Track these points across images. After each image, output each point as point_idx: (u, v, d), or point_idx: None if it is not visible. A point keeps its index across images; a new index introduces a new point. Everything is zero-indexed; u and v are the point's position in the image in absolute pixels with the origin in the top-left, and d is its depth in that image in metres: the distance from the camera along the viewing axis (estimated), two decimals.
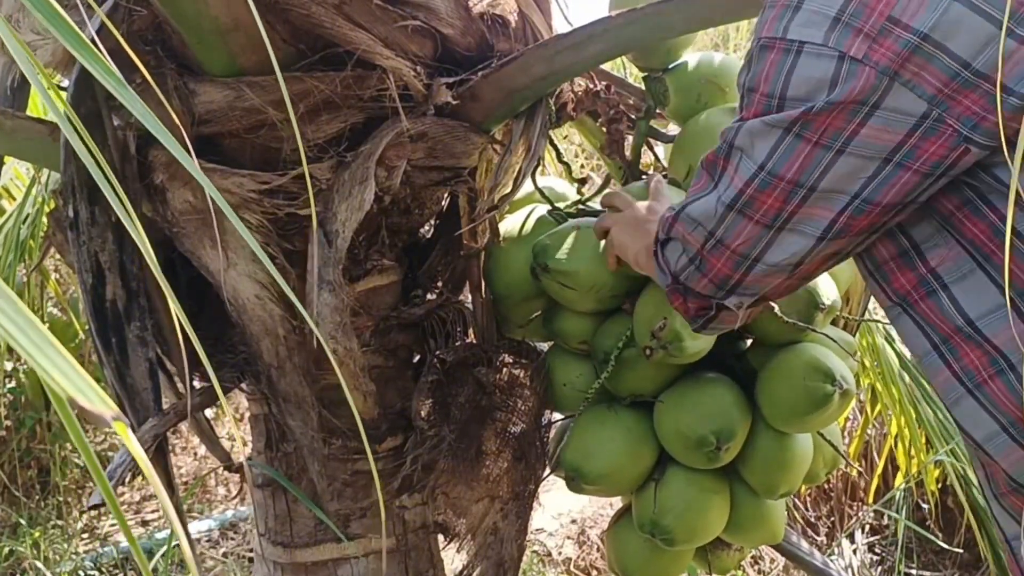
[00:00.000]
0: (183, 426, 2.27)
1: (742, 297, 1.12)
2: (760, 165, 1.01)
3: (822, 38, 0.96)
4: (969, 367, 1.00)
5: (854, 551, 3.38)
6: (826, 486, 3.60)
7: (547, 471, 1.71)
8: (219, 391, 0.77)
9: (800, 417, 1.54)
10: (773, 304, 1.54)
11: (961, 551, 3.20)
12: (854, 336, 1.77)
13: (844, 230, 1.02)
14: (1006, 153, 0.88)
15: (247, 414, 2.55)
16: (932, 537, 3.10)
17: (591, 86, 1.67)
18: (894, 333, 3.19)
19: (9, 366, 3.80)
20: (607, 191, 1.54)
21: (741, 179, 1.03)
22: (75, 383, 0.46)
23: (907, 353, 2.90)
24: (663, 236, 1.17)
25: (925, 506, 3.32)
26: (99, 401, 0.45)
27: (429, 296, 1.64)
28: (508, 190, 1.61)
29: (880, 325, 2.81)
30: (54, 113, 0.64)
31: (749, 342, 1.69)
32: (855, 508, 3.59)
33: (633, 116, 1.70)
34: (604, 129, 1.68)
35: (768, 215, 1.02)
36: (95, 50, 0.66)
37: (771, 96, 1.00)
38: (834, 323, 1.71)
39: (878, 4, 0.94)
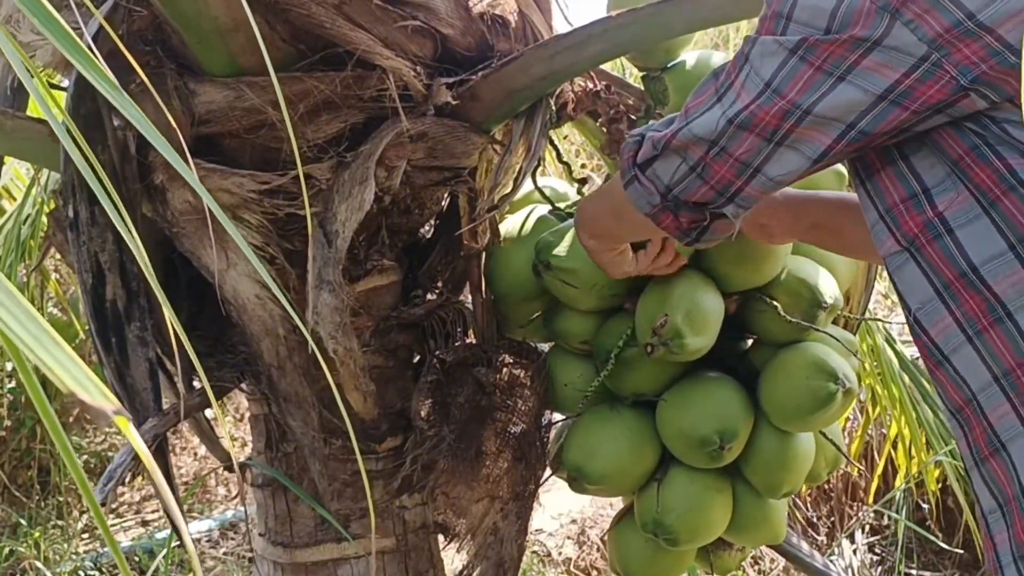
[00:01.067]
0: (183, 426, 2.28)
1: (740, 207, 1.13)
2: (766, 83, 1.03)
3: None
4: (969, 314, 1.00)
5: (854, 551, 3.39)
6: (826, 486, 3.60)
7: (547, 471, 1.71)
8: (211, 396, 0.77)
9: (803, 416, 1.54)
10: (776, 304, 1.55)
11: (961, 551, 3.20)
12: (854, 335, 1.77)
13: (839, 154, 1.05)
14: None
15: (247, 414, 2.55)
16: (932, 537, 3.11)
17: (591, 86, 1.67)
18: (894, 333, 3.19)
19: (9, 366, 3.80)
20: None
21: (748, 94, 1.05)
22: (76, 377, 0.46)
23: (907, 353, 2.90)
24: (651, 153, 1.16)
25: (925, 506, 3.33)
26: (100, 396, 0.45)
27: (429, 296, 1.64)
28: (508, 190, 1.61)
29: (880, 325, 2.81)
30: (51, 120, 0.64)
31: (751, 341, 1.69)
32: (855, 508, 3.59)
33: (633, 116, 1.70)
34: (604, 129, 1.68)
35: (767, 130, 1.04)
36: (90, 55, 0.66)
37: (779, 16, 1.03)
38: (834, 322, 1.71)
39: None
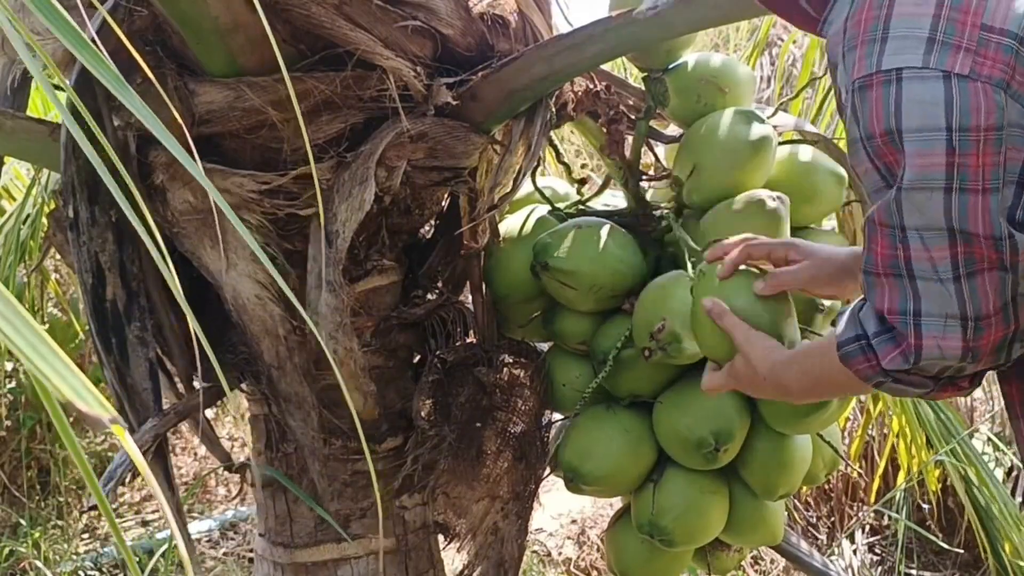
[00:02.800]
0: (183, 426, 2.28)
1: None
2: (948, 231, 0.94)
3: (920, 61, 0.91)
4: None
5: (854, 551, 3.38)
6: (826, 486, 3.60)
7: (547, 471, 1.70)
8: (224, 383, 0.77)
9: (798, 419, 1.54)
10: None
11: (961, 551, 3.20)
12: None
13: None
14: None
15: (247, 414, 2.55)
16: (932, 537, 3.10)
17: (591, 86, 1.67)
18: None
19: (9, 366, 3.80)
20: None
21: (917, 251, 0.95)
22: (72, 386, 0.46)
23: None
24: (903, 366, 1.01)
25: (926, 506, 3.32)
26: (96, 404, 0.45)
27: (429, 296, 1.64)
28: (508, 190, 1.61)
29: None
30: (58, 106, 0.64)
31: None
32: (855, 508, 3.59)
33: (633, 116, 1.70)
34: (604, 129, 1.68)
35: (993, 262, 0.94)
36: (96, 50, 0.66)
37: (889, 133, 0.93)
38: (834, 324, 1.71)
39: (967, 16, 0.90)
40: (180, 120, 0.95)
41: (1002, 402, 1.08)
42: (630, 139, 1.71)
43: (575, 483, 1.61)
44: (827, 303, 1.54)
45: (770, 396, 1.31)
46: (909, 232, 0.95)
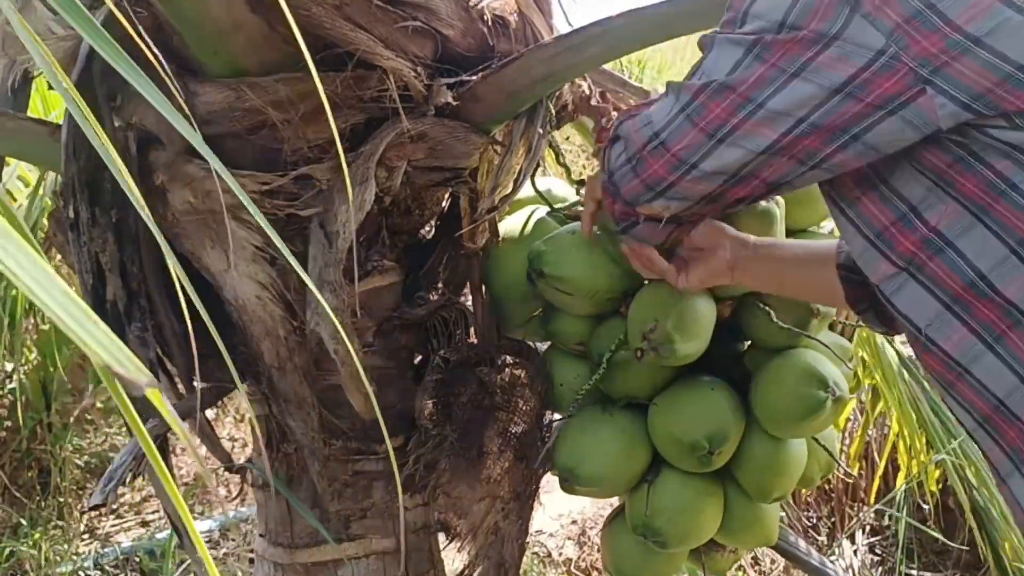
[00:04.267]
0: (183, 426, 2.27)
1: (670, 201, 1.13)
2: (714, 76, 1.04)
3: None
4: (985, 321, 0.99)
5: (855, 552, 3.39)
6: (827, 487, 3.60)
7: (546, 470, 1.71)
8: (236, 379, 0.77)
9: (793, 423, 1.53)
10: (769, 309, 1.54)
11: (965, 548, 3.20)
12: (851, 340, 1.77)
13: (785, 149, 1.03)
14: None
15: (247, 415, 2.55)
16: (936, 535, 3.11)
17: (586, 92, 1.67)
18: None
19: (10, 366, 3.80)
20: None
21: (700, 89, 1.05)
22: (110, 351, 0.47)
23: (907, 352, 2.90)
24: (612, 135, 1.18)
25: (926, 507, 3.33)
26: (134, 368, 0.46)
27: (431, 297, 1.64)
28: (508, 191, 1.61)
29: None
30: (66, 99, 0.64)
31: (746, 345, 1.69)
32: (856, 509, 3.59)
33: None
34: (594, 136, 1.68)
35: (712, 124, 1.04)
36: (111, 40, 0.67)
37: (737, 13, 1.03)
38: (831, 327, 1.71)
39: None
40: (190, 118, 0.95)
41: None
42: None
43: (570, 484, 1.62)
44: (822, 307, 1.54)
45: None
46: (699, 67, 1.07)
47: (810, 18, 0.96)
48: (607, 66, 1.67)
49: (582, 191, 1.79)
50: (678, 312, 1.45)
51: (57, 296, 0.48)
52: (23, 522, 3.55)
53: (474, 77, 1.47)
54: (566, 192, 1.81)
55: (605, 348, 1.56)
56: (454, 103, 1.45)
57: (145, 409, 1.41)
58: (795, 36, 0.97)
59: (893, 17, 0.94)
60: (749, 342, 1.68)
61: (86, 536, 3.70)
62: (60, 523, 3.65)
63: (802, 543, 1.97)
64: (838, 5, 0.95)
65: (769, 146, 1.03)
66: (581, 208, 1.72)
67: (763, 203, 1.49)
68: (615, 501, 2.79)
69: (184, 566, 3.29)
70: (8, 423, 3.82)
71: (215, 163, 0.71)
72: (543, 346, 1.74)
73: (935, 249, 1.01)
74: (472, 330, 1.66)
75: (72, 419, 4.01)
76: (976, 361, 1.00)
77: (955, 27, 0.93)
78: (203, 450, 1.76)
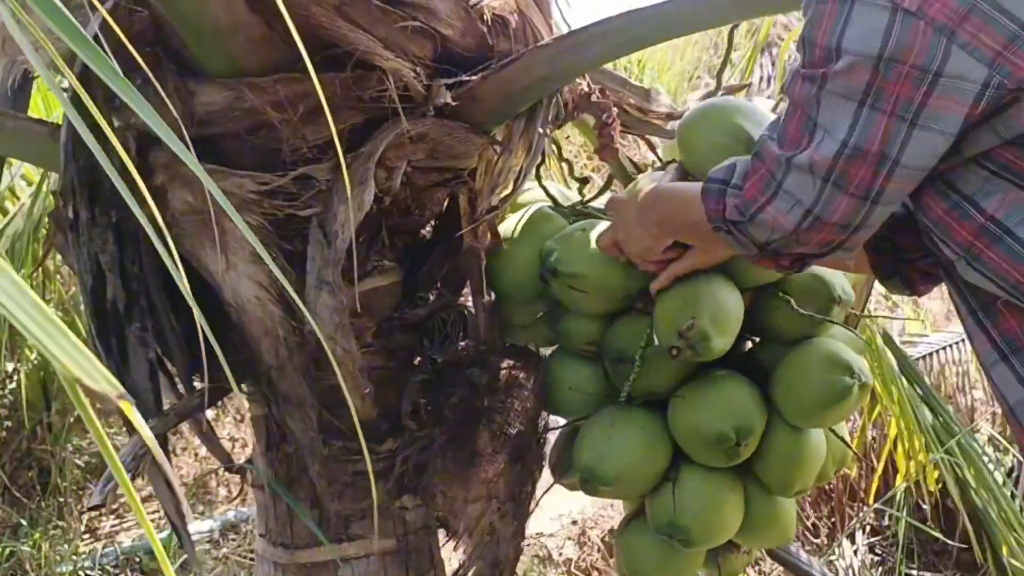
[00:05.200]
0: (183, 426, 2.28)
1: (847, 251, 1.13)
2: (843, 142, 1.01)
3: None
4: None
5: (855, 552, 3.38)
6: (827, 487, 3.60)
7: (547, 476, 1.70)
8: (233, 384, 0.77)
9: (819, 411, 1.53)
10: (790, 298, 1.54)
11: (965, 546, 3.20)
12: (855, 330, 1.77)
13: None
14: None
15: (247, 415, 2.55)
16: (936, 534, 3.11)
17: (584, 89, 1.67)
18: (893, 333, 3.18)
19: (10, 367, 3.80)
20: (607, 199, 1.53)
21: (829, 154, 1.03)
22: (81, 364, 0.46)
23: (907, 352, 2.91)
24: (739, 218, 1.14)
25: (925, 507, 3.33)
26: (104, 382, 0.46)
27: (430, 297, 1.63)
28: (508, 191, 1.61)
29: (879, 327, 2.81)
30: (62, 101, 0.64)
31: (758, 340, 1.68)
32: (855, 509, 3.59)
33: (632, 115, 1.70)
34: (596, 132, 1.68)
35: (862, 188, 1.03)
36: (96, 47, 0.67)
37: (828, 49, 1.00)
38: None
39: None
40: (180, 121, 0.95)
41: (999, 406, 1.13)
42: (625, 142, 1.71)
43: (591, 484, 1.59)
44: (843, 295, 1.54)
45: (637, 230, 1.41)
46: (817, 127, 1.03)
47: (907, 52, 0.95)
48: (608, 66, 1.67)
49: (584, 190, 1.79)
50: (713, 308, 1.45)
51: (26, 307, 0.47)
52: (23, 522, 3.55)
53: (474, 77, 1.47)
54: (567, 194, 1.81)
55: (627, 345, 1.55)
56: (454, 103, 1.45)
57: (141, 409, 1.41)
58: (900, 73, 0.95)
59: (992, 45, 0.93)
60: (757, 338, 1.67)
61: (86, 536, 3.70)
62: (60, 523, 3.65)
63: (803, 554, 1.97)
64: (934, 36, 0.94)
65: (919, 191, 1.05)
66: (584, 208, 1.72)
67: None
68: (618, 504, 2.79)
69: (181, 563, 3.29)
70: (8, 423, 3.82)
71: (199, 169, 0.71)
72: (544, 350, 1.73)
73: (992, 238, 1.02)
74: (466, 331, 1.65)
75: (72, 419, 4.01)
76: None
77: None
78: (203, 450, 1.76)
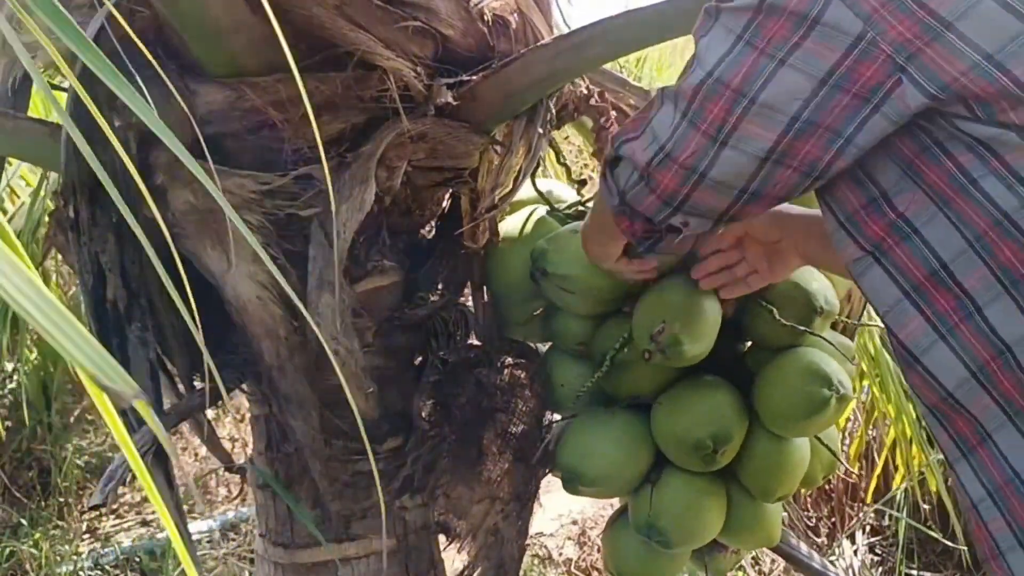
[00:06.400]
0: (184, 426, 2.28)
1: (688, 216, 1.09)
2: (708, 72, 1.01)
3: None
4: (941, 312, 0.99)
5: (855, 552, 3.38)
6: (827, 487, 3.60)
7: (546, 471, 1.70)
8: (221, 391, 0.78)
9: (797, 421, 1.53)
10: (772, 307, 1.54)
11: (965, 548, 3.20)
12: (852, 339, 1.77)
13: (786, 156, 1.00)
14: None
15: (248, 415, 2.55)
16: (936, 535, 3.11)
17: (585, 91, 1.67)
18: None
19: (10, 367, 3.80)
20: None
21: (691, 86, 1.02)
22: (96, 363, 0.46)
23: None
24: (612, 155, 1.14)
25: (925, 507, 3.33)
26: (120, 380, 0.46)
27: (431, 297, 1.63)
28: (509, 190, 1.61)
29: (877, 328, 2.81)
30: (56, 108, 0.64)
31: (748, 344, 1.69)
32: (856, 509, 3.59)
33: (628, 115, 1.70)
34: (594, 135, 1.68)
35: (713, 125, 1.01)
36: (95, 48, 0.67)
37: None
38: (833, 326, 1.71)
39: None
40: (187, 118, 0.95)
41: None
42: None
43: (573, 484, 1.61)
44: (825, 305, 1.53)
45: (587, 235, 1.43)
46: (696, 58, 1.04)
47: None
48: (608, 65, 1.67)
49: (583, 191, 1.79)
50: (685, 313, 1.45)
51: (44, 307, 0.47)
52: (23, 522, 3.55)
53: (474, 77, 1.47)
54: (566, 193, 1.81)
55: (608, 347, 1.56)
56: (454, 103, 1.45)
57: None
58: (783, 12, 0.96)
59: (870, 1, 0.93)
60: (750, 342, 1.68)
61: (86, 536, 3.70)
62: (60, 523, 3.65)
63: (803, 546, 1.97)
64: None
65: (769, 150, 1.00)
66: (582, 208, 1.73)
67: None
68: (615, 502, 2.79)
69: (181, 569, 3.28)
70: (8, 423, 3.82)
71: (194, 167, 0.71)
72: (542, 347, 1.74)
73: (902, 235, 1.01)
74: (472, 331, 1.66)
75: (72, 419, 4.01)
76: (927, 352, 1.01)
77: (928, 10, 0.92)
78: (203, 450, 1.76)
